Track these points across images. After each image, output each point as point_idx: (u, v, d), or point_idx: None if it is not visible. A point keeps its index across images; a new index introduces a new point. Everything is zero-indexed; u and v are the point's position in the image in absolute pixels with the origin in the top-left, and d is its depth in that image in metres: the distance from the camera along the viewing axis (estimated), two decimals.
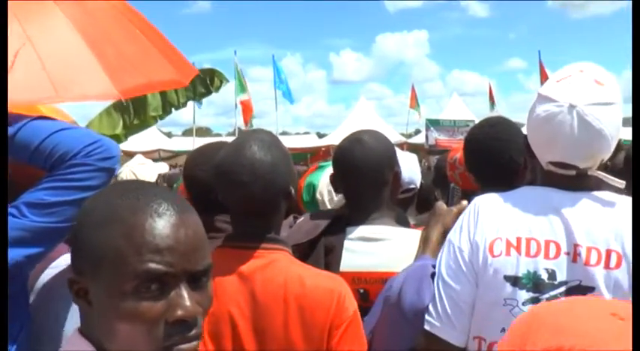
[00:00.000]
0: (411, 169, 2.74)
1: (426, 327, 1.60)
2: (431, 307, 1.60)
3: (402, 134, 26.65)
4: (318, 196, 2.74)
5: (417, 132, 27.62)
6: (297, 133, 44.77)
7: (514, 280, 1.51)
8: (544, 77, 14.64)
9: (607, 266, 1.45)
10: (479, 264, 1.54)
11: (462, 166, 2.71)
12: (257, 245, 1.69)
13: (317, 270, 1.74)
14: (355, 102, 28.43)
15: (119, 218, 0.99)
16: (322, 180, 2.78)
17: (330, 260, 2.03)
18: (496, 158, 2.18)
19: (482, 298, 1.55)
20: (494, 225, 1.56)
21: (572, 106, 1.49)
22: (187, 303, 0.98)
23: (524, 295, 1.51)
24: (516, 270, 1.51)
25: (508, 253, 1.52)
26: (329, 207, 2.67)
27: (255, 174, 1.64)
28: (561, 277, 1.49)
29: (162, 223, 0.99)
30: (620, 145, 1.58)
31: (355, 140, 2.13)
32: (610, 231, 1.48)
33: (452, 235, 1.64)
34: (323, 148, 24.07)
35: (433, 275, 1.65)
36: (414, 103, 23.36)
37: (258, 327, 1.60)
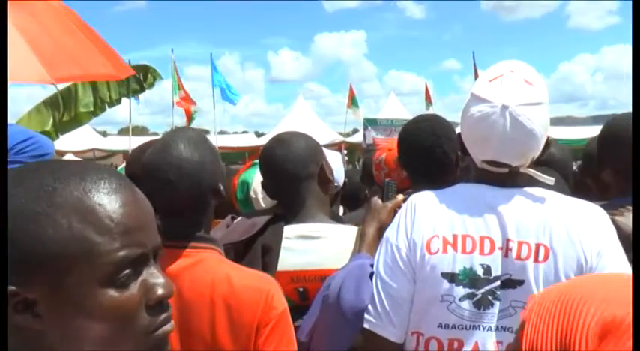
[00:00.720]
0: (334, 168, 2.73)
1: (365, 325, 1.61)
2: (370, 306, 1.61)
3: (341, 133, 26.80)
4: (252, 194, 2.72)
5: (355, 131, 27.81)
6: (236, 133, 44.50)
7: (451, 277, 1.53)
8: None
9: (536, 259, 1.50)
10: (417, 261, 1.57)
11: (387, 167, 2.73)
12: (185, 244, 1.67)
13: (246, 269, 1.73)
14: (293, 101, 28.44)
15: (68, 204, 0.83)
16: (256, 178, 2.74)
17: (267, 260, 2.01)
18: (430, 153, 2.21)
19: (420, 294, 1.57)
20: (431, 222, 1.59)
21: (504, 107, 1.53)
22: (163, 279, 0.90)
23: (460, 290, 1.54)
24: (453, 266, 1.54)
25: (445, 250, 1.55)
26: (263, 205, 2.65)
27: (181, 173, 1.63)
28: (496, 271, 1.52)
29: (122, 200, 0.87)
30: (548, 143, 1.63)
31: (276, 140, 2.16)
32: (539, 225, 1.52)
33: (389, 233, 1.65)
34: (261, 148, 23.89)
35: (371, 274, 1.65)
36: (352, 102, 23.48)
37: (184, 327, 1.57)
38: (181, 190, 1.63)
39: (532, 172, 1.61)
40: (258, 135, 32.26)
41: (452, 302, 1.55)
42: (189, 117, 18.27)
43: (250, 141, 27.46)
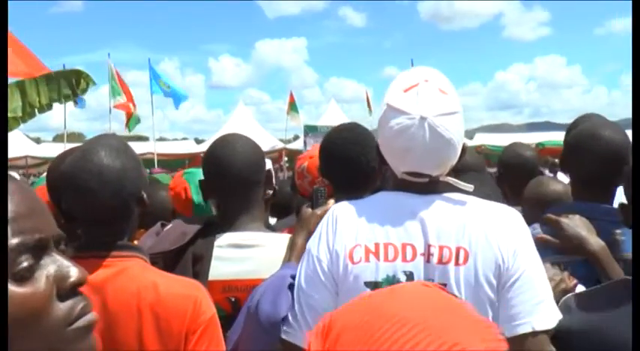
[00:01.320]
0: None
1: (284, 336, 1.61)
2: (290, 317, 1.61)
3: (281, 140, 26.79)
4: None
5: (296, 138, 27.83)
6: (175, 139, 43.93)
7: (374, 286, 1.52)
8: None
9: (457, 263, 1.51)
10: (339, 273, 1.56)
11: (310, 175, 2.72)
12: (107, 254, 1.63)
13: (173, 276, 1.70)
14: (234, 107, 28.29)
15: None
16: None
17: (198, 269, 1.98)
18: (353, 162, 2.20)
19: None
20: (353, 232, 1.59)
21: (423, 118, 1.53)
22: (72, 265, 0.84)
23: None
24: (376, 275, 1.54)
25: (367, 260, 1.55)
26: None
27: (103, 180, 1.60)
28: (418, 277, 1.53)
29: (7, 190, 0.82)
30: (464, 150, 1.65)
31: (225, 142, 2.12)
32: (459, 229, 1.54)
33: (311, 244, 1.64)
34: (201, 155, 23.63)
35: (292, 286, 1.64)
36: (292, 108, 23.48)
37: (111, 340, 1.53)
38: (103, 198, 1.60)
39: (451, 180, 1.63)
40: (198, 141, 31.90)
41: None
42: (129, 119, 17.86)
43: (190, 148, 27.12)
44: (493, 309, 1.49)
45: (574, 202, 2.19)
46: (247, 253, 1.97)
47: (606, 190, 2.16)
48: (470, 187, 1.62)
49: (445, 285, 1.48)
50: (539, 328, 1.47)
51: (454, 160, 1.62)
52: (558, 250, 2.00)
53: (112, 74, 17.92)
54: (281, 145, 24.53)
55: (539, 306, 1.48)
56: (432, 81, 1.61)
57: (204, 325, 1.57)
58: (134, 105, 18.19)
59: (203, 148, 24.90)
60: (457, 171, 2.64)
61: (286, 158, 23.04)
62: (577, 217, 2.04)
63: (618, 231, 2.01)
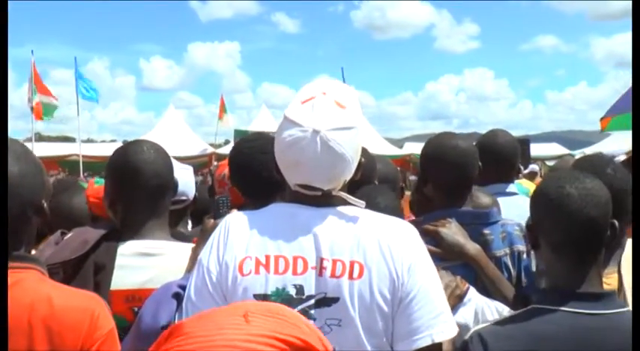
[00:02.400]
0: (184, 181, 2.69)
1: None
2: None
3: (212, 144, 26.49)
4: None
5: (227, 142, 27.57)
6: (104, 141, 42.82)
7: (263, 298, 1.52)
8: None
9: (351, 277, 1.50)
10: (228, 285, 1.54)
11: (230, 182, 2.70)
12: None
13: (70, 288, 1.62)
14: (165, 110, 27.74)
15: None
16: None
17: (100, 279, 1.92)
18: (260, 172, 2.20)
19: None
20: (244, 244, 1.57)
21: (315, 132, 1.53)
22: None
23: None
24: (265, 288, 1.52)
25: (257, 272, 1.53)
26: None
27: None
28: (309, 291, 1.52)
29: None
30: (360, 165, 1.65)
31: (129, 148, 2.09)
32: (353, 243, 1.53)
33: (202, 255, 1.62)
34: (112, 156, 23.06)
35: (177, 295, 1.62)
36: (223, 113, 23.28)
37: None
38: None
39: (344, 195, 1.62)
40: None
41: None
42: (39, 117, 17.21)
43: None
44: (387, 323, 1.50)
45: (443, 210, 2.30)
46: (151, 262, 1.94)
47: (463, 195, 2.32)
48: (361, 204, 1.62)
49: (338, 299, 1.49)
50: (438, 339, 1.49)
51: (348, 175, 1.61)
52: (441, 258, 2.11)
53: (34, 72, 17.32)
54: (211, 150, 24.24)
55: (437, 319, 1.50)
56: (331, 94, 1.61)
57: (102, 340, 1.51)
58: (52, 97, 17.55)
59: None
60: (372, 182, 2.70)
61: (216, 163, 22.81)
62: (453, 224, 2.18)
63: (486, 231, 2.20)
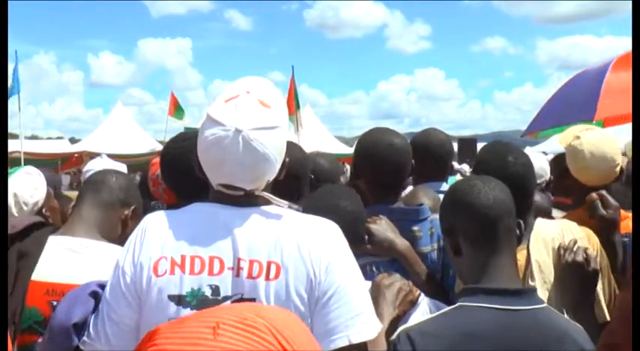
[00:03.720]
0: None
1: (81, 345, 1.56)
2: (91, 326, 1.56)
3: (161, 142, 26.13)
4: (10, 201, 2.69)
5: None
6: (50, 138, 41.74)
7: (178, 299, 1.50)
8: (291, 92, 15.28)
9: (267, 277, 1.49)
10: (142, 285, 1.52)
11: (164, 181, 2.68)
12: None
13: None
14: (114, 106, 27.21)
15: None
16: (16, 185, 2.74)
17: (21, 266, 1.91)
18: (192, 171, 2.20)
19: (148, 319, 1.51)
20: (160, 244, 1.55)
21: (237, 131, 1.52)
22: None
23: (188, 313, 1.49)
24: (180, 288, 1.50)
25: (172, 272, 1.51)
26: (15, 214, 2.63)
27: None
28: (225, 292, 1.50)
29: None
30: (284, 165, 1.64)
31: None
32: (271, 243, 1.52)
33: (119, 256, 1.60)
34: (76, 155, 22.76)
35: (96, 294, 1.61)
36: (173, 110, 22.97)
37: None
38: None
39: (267, 195, 1.61)
40: (74, 141, 30.47)
41: None
42: None
43: (64, 147, 25.82)
44: (305, 323, 1.47)
45: (375, 206, 2.32)
46: (76, 259, 1.93)
47: (396, 192, 2.37)
48: (284, 204, 1.61)
49: (254, 300, 1.47)
50: (356, 340, 1.47)
51: (271, 175, 1.60)
52: (371, 253, 2.15)
53: None
54: (160, 147, 23.92)
55: (355, 319, 1.48)
56: (255, 93, 1.60)
57: None
58: None
59: (78, 148, 23.84)
60: (318, 180, 2.70)
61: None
62: (384, 220, 2.21)
63: (416, 228, 2.24)
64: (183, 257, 1.51)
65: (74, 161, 22.16)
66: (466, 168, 5.36)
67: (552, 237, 2.18)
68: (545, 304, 1.67)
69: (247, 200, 1.59)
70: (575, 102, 5.03)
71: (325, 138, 24.83)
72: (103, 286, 1.61)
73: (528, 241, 2.16)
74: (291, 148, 2.61)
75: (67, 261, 1.92)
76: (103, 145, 20.73)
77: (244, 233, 1.53)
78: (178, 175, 2.24)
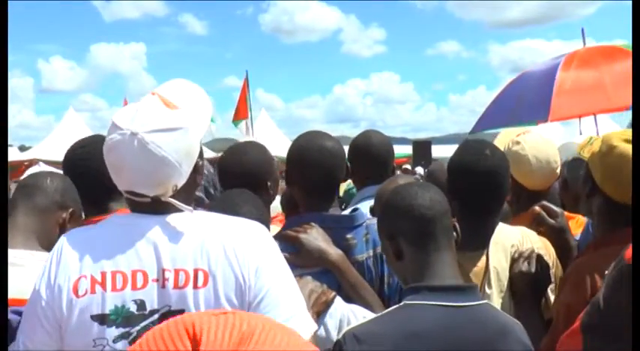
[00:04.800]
0: None
1: None
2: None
3: None
4: None
5: None
6: None
7: (102, 319, 1.43)
8: (243, 96, 15.18)
9: (195, 286, 1.44)
10: (62, 309, 1.44)
11: None
12: None
13: None
14: (66, 113, 26.66)
15: None
16: None
17: None
18: (87, 177, 2.17)
19: (71, 344, 1.45)
20: (78, 262, 1.47)
21: (133, 134, 1.44)
22: None
23: (114, 331, 1.43)
24: (103, 307, 1.43)
25: (93, 291, 1.44)
26: None
27: None
28: (151, 305, 1.44)
29: None
30: (197, 168, 1.57)
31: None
32: (196, 250, 1.46)
33: (36, 279, 1.51)
34: (26, 163, 22.23)
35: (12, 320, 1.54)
36: None
37: None
38: None
39: (173, 201, 1.51)
40: (23, 149, 29.76)
41: (105, 346, 1.44)
42: None
43: (12, 155, 25.20)
44: None
45: (307, 214, 2.24)
46: (17, 272, 1.83)
47: (329, 197, 2.25)
48: (190, 209, 1.53)
49: (183, 311, 1.40)
50: None
51: (178, 180, 1.50)
52: (300, 265, 2.04)
53: None
54: None
55: (289, 322, 1.43)
56: (161, 94, 1.53)
57: None
58: None
59: (28, 155, 23.28)
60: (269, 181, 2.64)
61: None
62: (314, 229, 2.11)
63: (350, 235, 2.14)
64: (103, 274, 1.44)
65: (24, 170, 21.66)
66: (420, 171, 5.35)
67: (512, 244, 2.17)
68: (485, 300, 1.70)
69: (164, 207, 1.51)
70: (526, 101, 5.03)
71: (282, 142, 24.75)
72: (18, 313, 1.53)
73: (488, 247, 2.14)
74: (251, 149, 2.58)
75: (9, 275, 1.82)
76: (54, 152, 20.24)
77: (167, 242, 1.47)
78: (76, 182, 2.16)
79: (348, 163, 2.39)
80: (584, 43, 5.40)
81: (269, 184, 2.51)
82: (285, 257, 1.90)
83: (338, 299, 1.91)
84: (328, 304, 1.85)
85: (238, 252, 1.46)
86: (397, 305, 1.62)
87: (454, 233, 1.76)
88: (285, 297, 1.48)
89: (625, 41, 4.87)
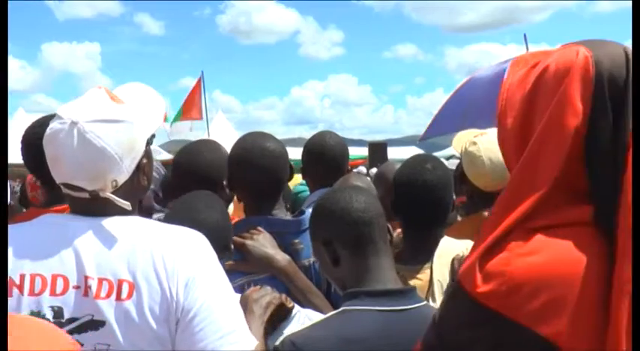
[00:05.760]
0: None
1: None
2: None
3: None
4: None
5: None
6: None
7: None
8: (196, 94, 14.70)
9: (118, 298, 1.35)
10: None
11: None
12: None
13: None
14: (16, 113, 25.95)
15: None
16: None
17: None
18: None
19: None
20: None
21: (73, 123, 1.39)
22: None
23: None
24: (18, 311, 1.35)
25: (10, 294, 1.36)
26: None
27: None
28: (69, 313, 1.36)
29: None
30: (140, 166, 1.51)
31: None
32: (124, 259, 1.38)
33: None
34: None
35: None
36: None
37: None
38: None
39: (111, 196, 1.44)
40: None
41: None
42: None
43: None
44: (164, 346, 1.36)
45: (252, 218, 2.21)
46: None
47: (274, 200, 2.21)
48: (127, 205, 1.46)
49: (104, 323, 1.34)
50: None
51: (117, 175, 1.43)
52: (247, 271, 2.02)
53: None
54: None
55: (224, 339, 1.37)
56: (110, 89, 1.49)
57: None
58: None
59: None
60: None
61: None
62: (261, 235, 2.08)
63: (297, 240, 2.12)
64: (22, 276, 1.37)
65: None
66: (363, 170, 5.31)
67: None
68: (425, 302, 1.69)
69: (97, 207, 1.44)
70: (475, 106, 5.07)
71: None
72: None
73: (432, 260, 2.14)
74: (205, 148, 2.53)
75: None
76: None
77: (94, 248, 1.38)
78: (35, 163, 2.09)
79: (301, 165, 2.38)
80: (527, 49, 5.57)
81: (225, 182, 2.45)
82: (232, 265, 1.87)
83: (297, 307, 1.87)
84: (286, 315, 1.81)
85: (168, 264, 1.37)
86: (335, 311, 1.61)
87: (388, 235, 1.75)
88: (220, 313, 1.39)
89: None
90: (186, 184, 2.27)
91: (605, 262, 1.02)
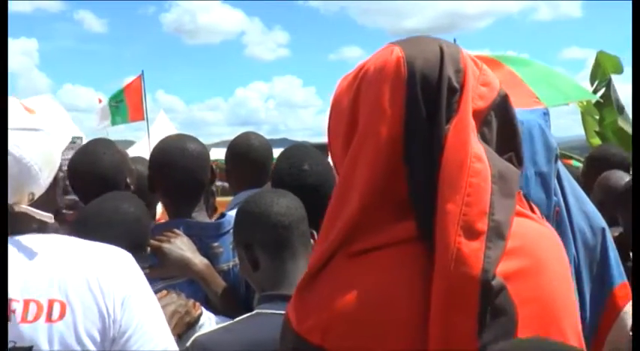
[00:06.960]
0: None
1: None
2: None
3: None
4: None
5: None
6: None
7: None
8: (137, 94, 14.39)
9: (49, 319, 1.27)
10: None
11: None
12: None
13: None
14: None
15: None
16: None
17: None
18: None
19: None
20: None
21: None
22: None
23: None
24: None
25: None
26: None
27: None
28: None
29: None
30: (57, 180, 1.45)
31: None
32: (53, 278, 1.30)
33: None
34: None
35: None
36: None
37: None
38: None
39: (29, 209, 1.34)
40: None
41: None
42: None
43: None
44: None
45: (171, 221, 2.17)
46: None
47: (195, 203, 2.16)
48: (50, 217, 1.37)
49: (31, 348, 1.25)
50: None
51: (35, 187, 1.34)
52: (163, 277, 1.98)
53: None
54: None
55: None
56: (26, 101, 1.41)
57: None
58: None
59: None
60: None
61: None
62: (179, 238, 2.03)
63: (216, 244, 2.07)
64: None
65: None
66: None
67: None
68: None
69: (20, 223, 1.33)
70: None
71: None
72: None
73: None
74: (102, 148, 2.45)
75: None
76: None
77: (17, 268, 1.28)
78: None
79: (225, 166, 2.31)
80: None
81: (128, 180, 2.39)
82: (145, 273, 1.79)
83: (206, 314, 1.84)
84: (193, 323, 1.78)
85: (102, 281, 1.32)
86: (248, 314, 1.59)
87: (311, 240, 1.74)
88: (155, 330, 1.36)
89: (514, 53, 5.11)
90: (87, 188, 2.24)
91: (428, 281, 0.95)
